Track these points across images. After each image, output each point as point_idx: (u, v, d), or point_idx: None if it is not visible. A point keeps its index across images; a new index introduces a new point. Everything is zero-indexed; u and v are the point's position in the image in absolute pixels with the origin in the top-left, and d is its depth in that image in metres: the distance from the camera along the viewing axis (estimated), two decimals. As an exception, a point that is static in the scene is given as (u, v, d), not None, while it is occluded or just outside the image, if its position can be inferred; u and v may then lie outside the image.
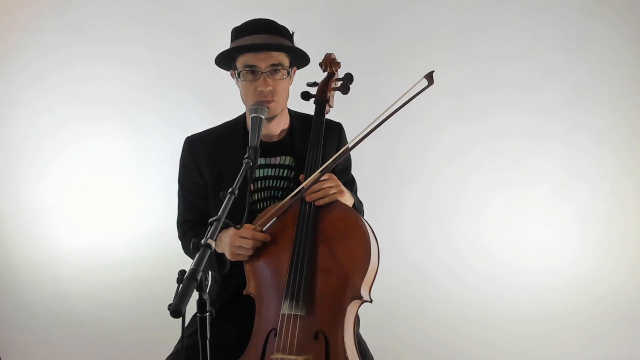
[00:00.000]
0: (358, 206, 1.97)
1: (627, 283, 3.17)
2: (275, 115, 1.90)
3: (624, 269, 3.19)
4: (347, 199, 1.86)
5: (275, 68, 1.82)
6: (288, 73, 1.86)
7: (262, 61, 1.80)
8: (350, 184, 2.09)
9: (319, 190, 1.79)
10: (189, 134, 2.02)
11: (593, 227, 3.23)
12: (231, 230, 1.75)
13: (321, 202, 1.80)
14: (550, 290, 3.20)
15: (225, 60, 1.88)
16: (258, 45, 1.79)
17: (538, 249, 3.25)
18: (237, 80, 1.89)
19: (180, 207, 2.03)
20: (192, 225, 2.00)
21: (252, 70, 1.81)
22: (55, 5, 3.25)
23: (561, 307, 3.18)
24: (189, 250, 1.95)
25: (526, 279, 3.22)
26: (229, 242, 1.75)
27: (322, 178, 1.81)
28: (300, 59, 1.92)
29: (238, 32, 1.86)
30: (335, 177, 1.85)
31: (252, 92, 1.82)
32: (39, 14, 3.25)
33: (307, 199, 1.80)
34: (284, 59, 1.84)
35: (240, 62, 1.83)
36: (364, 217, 2.03)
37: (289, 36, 1.89)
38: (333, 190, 1.80)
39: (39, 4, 3.25)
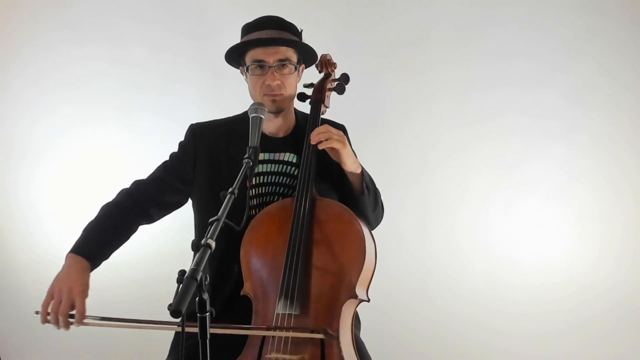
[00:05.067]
0: (369, 181, 1.96)
1: (626, 283, 3.18)
2: (283, 110, 1.93)
3: (623, 269, 3.19)
4: (349, 154, 1.86)
5: (282, 63, 1.87)
6: (296, 68, 1.91)
7: (270, 56, 1.85)
8: None
9: (324, 133, 1.81)
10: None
11: (593, 227, 3.23)
12: (71, 273, 1.74)
13: (324, 144, 1.80)
14: (551, 290, 3.21)
15: (234, 57, 1.92)
16: (266, 40, 1.84)
17: (538, 250, 3.25)
18: (246, 76, 1.93)
19: (151, 175, 2.00)
20: (130, 202, 1.94)
21: (260, 65, 1.86)
22: (55, 4, 3.22)
23: (561, 307, 3.19)
24: (107, 209, 1.92)
25: (526, 279, 3.22)
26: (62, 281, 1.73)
27: (330, 129, 1.83)
28: (307, 56, 1.96)
29: (247, 29, 1.92)
30: (343, 134, 1.86)
31: (260, 86, 1.87)
32: (38, 13, 3.22)
33: (312, 140, 1.82)
34: (292, 54, 1.89)
35: (249, 57, 1.87)
36: (380, 199, 2.02)
37: (297, 33, 1.95)
38: (336, 137, 1.81)
39: (38, 3, 3.22)
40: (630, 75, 3.20)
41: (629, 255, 3.20)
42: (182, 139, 2.04)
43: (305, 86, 2.10)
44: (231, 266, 1.89)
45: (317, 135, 1.82)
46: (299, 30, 1.96)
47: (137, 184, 1.99)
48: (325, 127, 1.85)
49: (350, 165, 1.87)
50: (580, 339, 3.15)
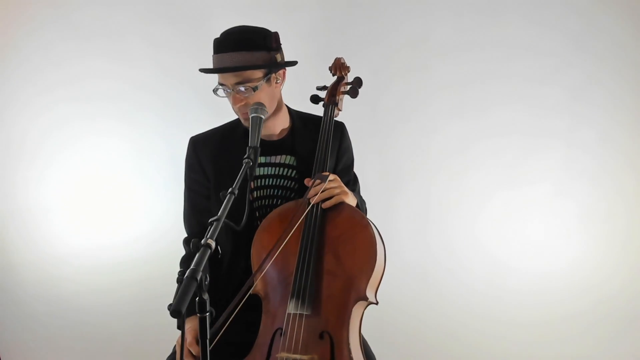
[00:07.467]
0: (361, 205, 1.99)
1: (628, 284, 3.11)
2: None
3: (625, 269, 3.13)
4: (351, 200, 1.88)
5: (240, 85, 1.81)
6: (256, 87, 1.82)
7: (227, 80, 1.82)
8: (353, 183, 2.11)
9: (323, 191, 1.81)
10: (190, 133, 2.05)
11: (594, 226, 3.17)
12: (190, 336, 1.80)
13: (327, 203, 1.82)
14: (551, 290, 3.16)
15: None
16: (216, 70, 1.82)
17: (538, 249, 3.19)
18: None
19: (186, 209, 2.04)
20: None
21: (224, 88, 1.85)
22: (55, 3, 3.23)
23: (561, 308, 3.14)
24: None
25: (526, 279, 3.18)
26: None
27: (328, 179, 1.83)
28: (275, 66, 1.86)
29: (214, 47, 1.87)
30: (339, 179, 1.87)
31: (232, 105, 1.87)
32: (39, 12, 3.23)
33: (312, 201, 1.82)
34: (250, 74, 1.81)
35: (217, 79, 1.87)
36: (367, 216, 2.05)
37: (262, 43, 1.83)
38: (337, 191, 1.83)
39: (39, 2, 3.23)
40: (632, 72, 3.12)
41: (631, 253, 3.13)
42: (183, 138, 2.05)
43: (319, 89, 2.10)
44: (237, 265, 1.92)
45: (317, 197, 1.80)
46: (268, 35, 1.85)
47: (190, 232, 2.02)
48: (321, 182, 1.81)
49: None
50: (581, 339, 3.10)
